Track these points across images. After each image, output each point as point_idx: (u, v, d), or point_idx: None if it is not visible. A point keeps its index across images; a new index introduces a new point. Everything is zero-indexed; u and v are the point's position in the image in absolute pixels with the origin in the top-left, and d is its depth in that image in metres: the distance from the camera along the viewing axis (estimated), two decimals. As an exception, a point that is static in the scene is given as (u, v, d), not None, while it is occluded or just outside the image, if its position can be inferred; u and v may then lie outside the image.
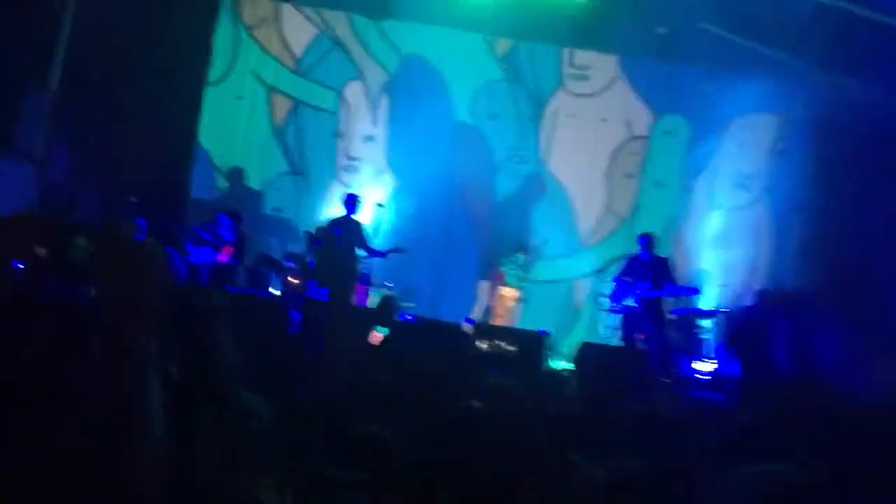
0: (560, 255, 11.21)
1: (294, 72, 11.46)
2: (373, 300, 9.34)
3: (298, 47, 11.46)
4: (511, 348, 7.44)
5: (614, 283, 8.99)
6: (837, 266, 9.57)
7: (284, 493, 1.85)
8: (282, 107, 11.45)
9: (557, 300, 11.07)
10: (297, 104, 11.42)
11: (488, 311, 10.72)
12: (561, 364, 8.45)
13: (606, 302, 9.33)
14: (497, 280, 10.70)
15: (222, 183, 11.30)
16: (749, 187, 11.23)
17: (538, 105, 11.48)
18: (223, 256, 8.96)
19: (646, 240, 8.88)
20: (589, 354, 7.60)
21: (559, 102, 11.50)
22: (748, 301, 9.77)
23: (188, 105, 10.80)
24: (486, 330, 8.45)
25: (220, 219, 9.10)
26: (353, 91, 11.46)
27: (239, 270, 9.51)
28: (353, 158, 11.40)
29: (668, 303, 9.27)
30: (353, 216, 9.21)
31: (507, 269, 10.58)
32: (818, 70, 9.99)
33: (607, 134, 11.44)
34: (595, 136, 11.43)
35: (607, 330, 9.49)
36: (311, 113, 11.43)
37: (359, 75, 11.42)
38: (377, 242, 9.67)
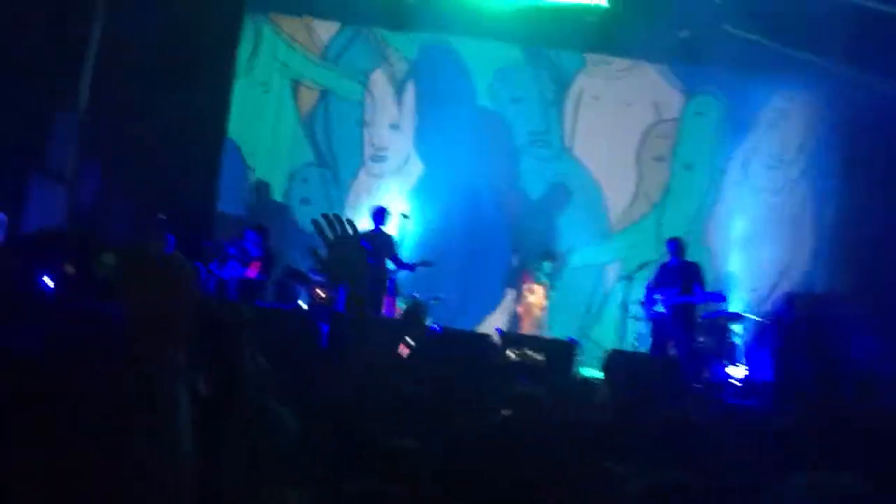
0: (590, 239, 11.17)
1: (320, 62, 11.54)
2: (399, 311, 9.35)
3: (324, 37, 11.53)
4: (540, 357, 7.39)
5: (646, 291, 8.91)
6: (871, 268, 9.44)
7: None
8: (308, 98, 11.52)
9: (588, 284, 11.01)
10: (324, 94, 11.50)
11: (516, 319, 10.69)
12: (591, 371, 8.39)
13: (636, 309, 9.25)
14: (524, 288, 10.67)
15: (252, 176, 11.39)
16: (786, 169, 11.07)
17: (561, 88, 11.41)
18: (251, 271, 9.01)
19: (674, 245, 8.79)
20: (619, 362, 7.50)
21: (583, 85, 11.45)
22: (780, 304, 9.65)
23: (214, 122, 10.90)
24: (514, 339, 8.41)
25: (247, 234, 9.15)
26: (378, 80, 11.51)
27: (267, 285, 9.55)
28: (380, 147, 11.44)
29: (699, 308, 9.17)
30: (381, 229, 9.21)
31: (534, 277, 10.55)
32: (846, 69, 9.87)
33: (634, 117, 11.36)
34: (622, 119, 11.33)
35: (637, 338, 9.41)
36: (338, 103, 11.49)
37: (383, 64, 11.46)
38: (405, 251, 9.69)
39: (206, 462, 1.26)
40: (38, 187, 9.04)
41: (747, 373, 8.85)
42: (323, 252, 2.08)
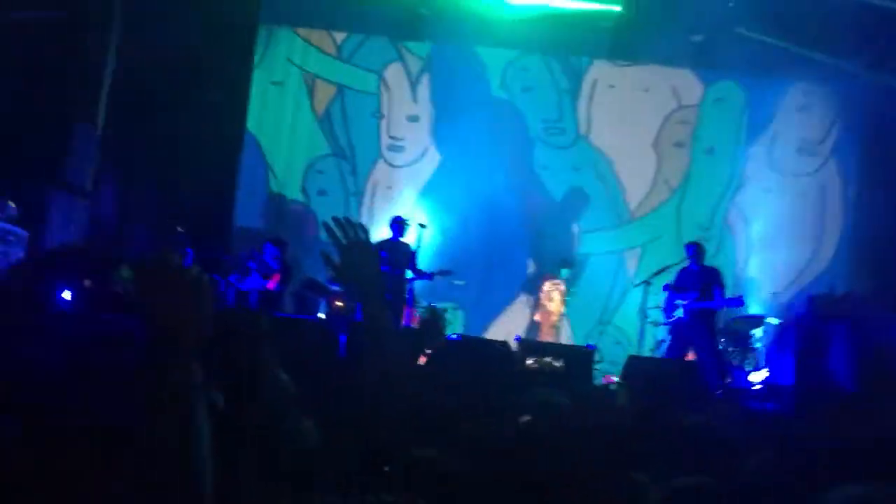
0: (609, 226, 11.13)
1: (335, 58, 11.58)
2: (417, 320, 9.35)
3: (338, 37, 11.59)
4: (558, 364, 7.36)
5: (665, 293, 8.83)
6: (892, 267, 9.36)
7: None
8: (324, 92, 11.56)
9: (609, 271, 10.98)
10: (340, 89, 11.54)
11: (534, 327, 10.66)
12: (614, 376, 8.35)
13: (655, 314, 9.19)
14: (542, 296, 10.64)
15: (272, 178, 11.44)
16: (814, 152, 10.97)
17: (575, 76, 11.38)
18: (271, 284, 9.03)
19: (692, 249, 8.71)
20: (638, 368, 7.47)
21: (597, 72, 11.42)
22: (802, 307, 9.56)
23: (231, 135, 10.97)
24: (532, 346, 8.38)
25: (266, 247, 9.19)
26: (394, 72, 11.55)
27: (285, 296, 9.58)
28: (397, 138, 11.47)
29: (719, 312, 9.11)
30: (400, 239, 9.21)
31: (551, 285, 10.52)
32: (863, 70, 9.80)
33: (652, 103, 11.31)
34: (639, 105, 11.28)
35: (656, 343, 9.35)
36: (353, 96, 11.54)
37: (398, 57, 11.50)
38: (423, 258, 9.70)
39: (225, 475, 1.25)
40: (58, 202, 9.13)
41: (768, 376, 8.77)
42: (335, 256, 2.08)
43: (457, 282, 9.69)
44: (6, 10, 8.93)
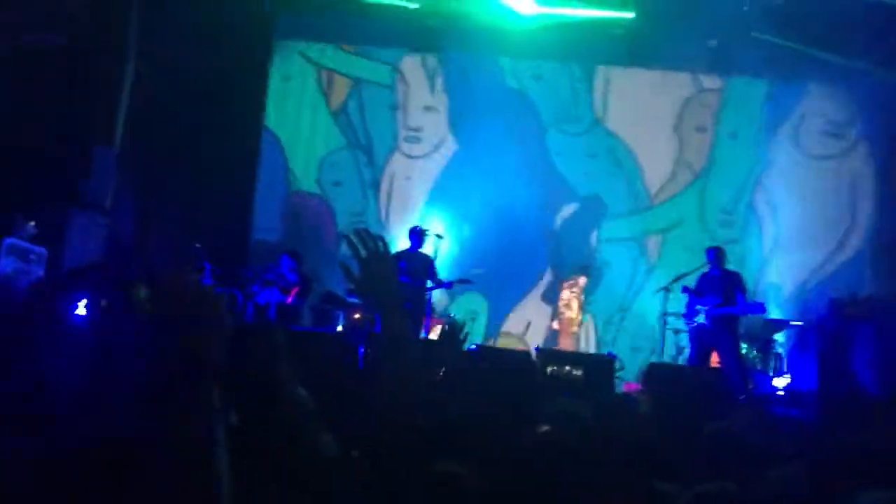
0: (629, 212, 11.08)
1: (349, 52, 11.62)
2: (436, 330, 9.34)
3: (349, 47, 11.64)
4: (578, 373, 7.31)
5: (686, 297, 8.74)
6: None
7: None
8: (341, 85, 11.60)
9: (629, 257, 10.96)
10: (357, 81, 11.57)
11: (553, 335, 10.62)
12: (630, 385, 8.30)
13: (674, 321, 9.11)
14: (560, 304, 10.60)
15: (291, 174, 11.49)
16: (841, 135, 10.83)
17: (590, 62, 11.31)
18: (289, 297, 9.05)
19: (713, 254, 8.63)
20: (659, 375, 7.40)
21: (610, 73, 11.38)
22: (824, 310, 9.44)
23: (248, 149, 11.04)
24: (552, 355, 8.34)
25: (283, 260, 9.21)
26: (409, 64, 11.57)
27: (303, 310, 9.59)
28: (414, 129, 11.48)
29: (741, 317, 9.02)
30: (419, 250, 9.21)
31: (569, 293, 10.48)
32: (883, 71, 9.73)
33: (671, 87, 11.23)
34: (658, 88, 11.18)
35: (678, 350, 9.28)
36: (370, 88, 11.57)
37: (411, 53, 11.52)
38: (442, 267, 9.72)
39: (243, 492, 1.24)
40: (77, 221, 9.20)
41: (791, 381, 8.67)
42: (355, 269, 2.07)
43: (475, 270, 9.70)
44: (24, 35, 9.04)
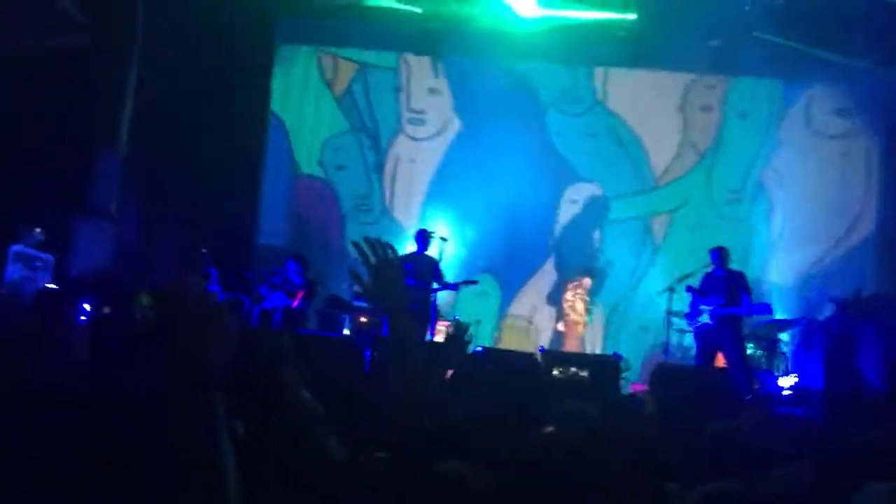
0: (633, 192, 11.08)
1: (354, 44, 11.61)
2: (442, 333, 9.35)
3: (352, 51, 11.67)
4: (584, 374, 7.31)
5: (689, 296, 8.73)
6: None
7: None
8: (345, 70, 11.60)
9: (635, 237, 10.98)
10: (362, 65, 11.56)
11: (558, 336, 10.62)
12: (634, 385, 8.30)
13: (680, 320, 9.10)
14: (566, 306, 10.60)
15: (296, 162, 11.52)
16: (853, 114, 10.71)
17: (590, 65, 11.29)
18: (295, 301, 9.07)
19: (717, 254, 8.60)
20: (665, 375, 7.40)
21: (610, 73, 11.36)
22: (829, 309, 9.43)
23: (252, 153, 11.07)
24: (557, 357, 8.34)
25: (288, 263, 9.23)
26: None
27: (309, 313, 9.61)
28: (418, 111, 11.50)
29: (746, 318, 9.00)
30: (425, 252, 9.22)
31: (573, 294, 10.48)
32: (884, 70, 9.72)
33: (673, 87, 11.21)
34: (660, 91, 11.19)
35: (683, 350, 9.27)
36: (374, 71, 11.57)
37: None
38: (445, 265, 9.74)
39: (251, 497, 1.25)
40: (83, 227, 9.23)
41: (797, 380, 8.65)
42: (364, 276, 2.09)
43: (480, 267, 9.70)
44: (28, 39, 9.08)
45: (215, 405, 1.15)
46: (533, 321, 10.97)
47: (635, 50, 10.67)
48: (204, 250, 9.22)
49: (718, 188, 11.01)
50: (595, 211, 11.20)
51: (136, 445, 1.28)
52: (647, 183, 11.11)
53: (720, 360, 8.40)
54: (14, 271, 7.90)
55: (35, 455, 1.36)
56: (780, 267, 10.71)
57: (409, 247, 9.41)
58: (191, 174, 10.20)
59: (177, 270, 9.57)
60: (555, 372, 7.59)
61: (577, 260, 10.92)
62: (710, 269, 8.61)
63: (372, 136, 11.49)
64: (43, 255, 8.27)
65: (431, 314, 9.38)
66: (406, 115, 11.52)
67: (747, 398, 7.49)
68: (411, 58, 11.55)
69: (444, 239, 9.62)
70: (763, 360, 9.31)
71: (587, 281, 10.64)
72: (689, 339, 9.10)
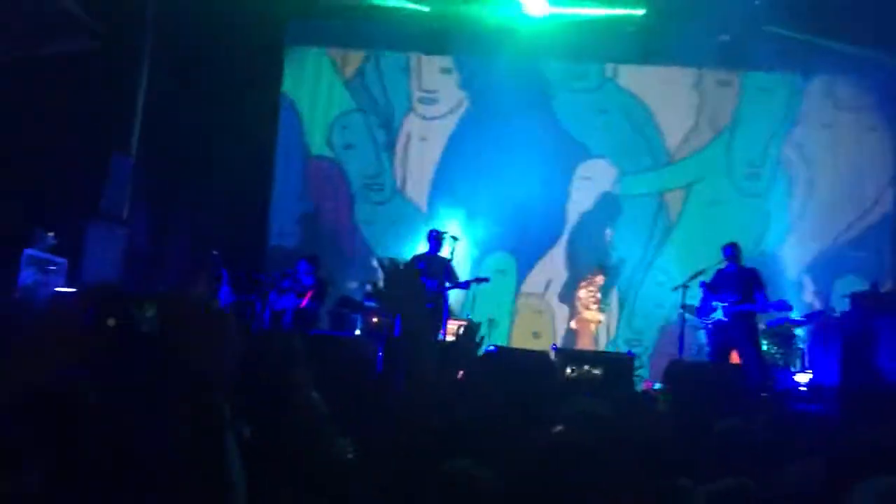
0: (645, 169, 11.03)
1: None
2: (453, 332, 9.34)
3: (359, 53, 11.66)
4: (597, 372, 7.28)
5: (701, 291, 8.67)
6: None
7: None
8: (355, 56, 11.59)
9: (648, 213, 10.96)
10: (371, 47, 11.52)
11: (571, 335, 10.59)
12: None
13: (692, 318, 9.04)
14: (579, 304, 10.57)
15: (310, 139, 11.51)
16: (878, 88, 10.55)
17: (600, 62, 11.22)
18: (305, 301, 9.09)
19: (730, 250, 8.55)
20: (679, 372, 7.35)
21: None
22: (846, 304, 9.35)
23: (262, 155, 11.09)
24: (570, 355, 8.31)
25: (300, 264, 9.25)
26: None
27: (321, 313, 9.62)
28: (430, 90, 11.47)
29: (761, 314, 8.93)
30: (437, 253, 9.23)
31: (586, 293, 10.45)
32: (889, 59, 9.64)
33: (683, 82, 11.14)
34: (669, 86, 11.12)
35: (698, 347, 9.22)
36: (383, 55, 11.56)
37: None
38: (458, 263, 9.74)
39: (260, 499, 1.24)
40: (95, 231, 9.28)
41: (812, 376, 8.59)
42: (381, 282, 2.11)
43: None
44: (39, 43, 9.13)
45: (221, 409, 1.15)
46: (544, 298, 10.96)
47: (645, 46, 10.63)
48: (215, 252, 9.24)
49: (739, 162, 10.92)
50: (607, 207, 11.16)
51: (142, 450, 1.28)
52: (661, 158, 11.05)
53: (734, 358, 8.35)
54: (27, 276, 7.94)
55: (47, 460, 1.36)
56: (799, 243, 10.64)
57: (420, 246, 9.44)
58: (201, 177, 10.23)
59: (188, 273, 9.61)
60: (568, 370, 7.57)
61: (589, 257, 10.89)
62: (722, 266, 8.56)
63: (382, 115, 11.47)
64: (56, 259, 8.32)
65: (443, 313, 9.38)
66: (417, 94, 11.49)
67: (763, 395, 7.44)
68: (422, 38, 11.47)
69: (455, 238, 9.62)
70: (778, 356, 9.24)
71: (600, 278, 10.59)
72: (702, 336, 9.04)
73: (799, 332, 9.44)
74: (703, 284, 8.58)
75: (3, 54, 8.77)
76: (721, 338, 8.36)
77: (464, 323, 9.17)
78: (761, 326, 8.89)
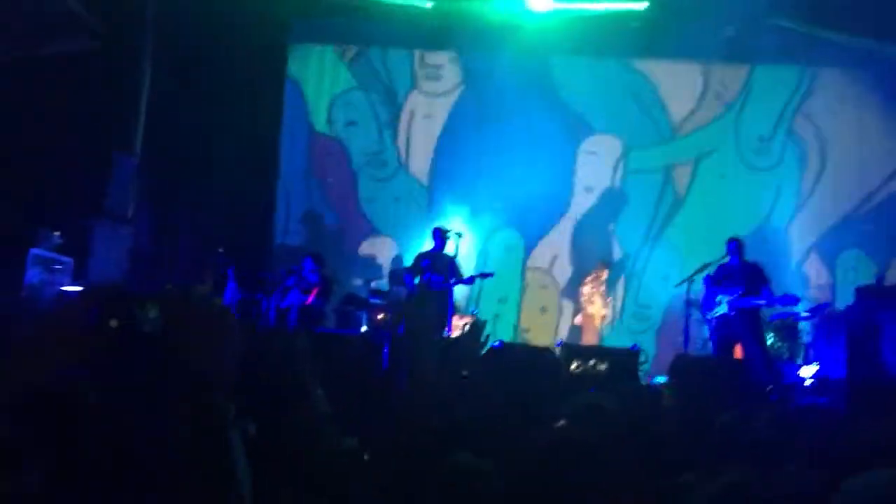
0: (651, 143, 10.99)
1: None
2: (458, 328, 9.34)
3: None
4: (603, 367, 7.28)
5: (704, 288, 8.63)
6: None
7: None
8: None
9: (653, 188, 10.92)
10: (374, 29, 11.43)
11: (576, 330, 10.59)
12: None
13: (696, 312, 9.01)
14: (584, 299, 10.55)
15: (314, 118, 11.50)
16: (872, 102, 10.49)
17: (604, 57, 11.15)
18: (310, 298, 9.09)
19: (733, 244, 8.52)
20: (684, 366, 7.36)
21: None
22: (852, 298, 9.32)
23: (267, 153, 11.09)
24: (575, 350, 8.31)
25: (305, 262, 9.26)
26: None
27: (327, 311, 9.63)
28: (434, 66, 11.44)
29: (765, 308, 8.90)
30: (442, 250, 9.24)
31: (591, 288, 10.43)
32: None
33: (688, 77, 11.08)
34: (674, 80, 11.06)
35: (703, 341, 9.19)
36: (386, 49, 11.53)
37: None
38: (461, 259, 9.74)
39: (264, 496, 1.25)
40: (100, 231, 9.30)
41: (818, 370, 8.56)
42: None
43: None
44: (42, 43, 9.16)
45: (221, 408, 1.16)
46: (550, 273, 11.01)
47: (650, 40, 10.58)
48: (220, 250, 9.26)
49: (747, 136, 10.84)
50: (610, 204, 11.13)
51: (142, 450, 1.28)
52: (666, 132, 11.00)
53: (738, 352, 8.33)
54: (33, 275, 7.97)
55: (47, 460, 1.37)
56: (809, 219, 10.61)
57: (426, 244, 9.45)
58: (205, 176, 10.24)
59: (193, 271, 9.63)
60: (573, 365, 7.57)
61: (593, 253, 10.87)
62: (725, 260, 8.53)
63: (386, 92, 11.43)
64: (62, 258, 8.34)
65: (448, 310, 9.39)
66: (421, 70, 11.47)
67: (768, 389, 7.42)
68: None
69: (459, 234, 9.62)
70: (783, 350, 9.21)
71: (605, 273, 10.57)
72: (707, 330, 9.01)
73: (803, 325, 9.41)
74: (706, 279, 8.54)
75: (4, 54, 8.80)
76: (725, 332, 8.33)
77: (469, 320, 9.23)
78: (764, 320, 8.86)
